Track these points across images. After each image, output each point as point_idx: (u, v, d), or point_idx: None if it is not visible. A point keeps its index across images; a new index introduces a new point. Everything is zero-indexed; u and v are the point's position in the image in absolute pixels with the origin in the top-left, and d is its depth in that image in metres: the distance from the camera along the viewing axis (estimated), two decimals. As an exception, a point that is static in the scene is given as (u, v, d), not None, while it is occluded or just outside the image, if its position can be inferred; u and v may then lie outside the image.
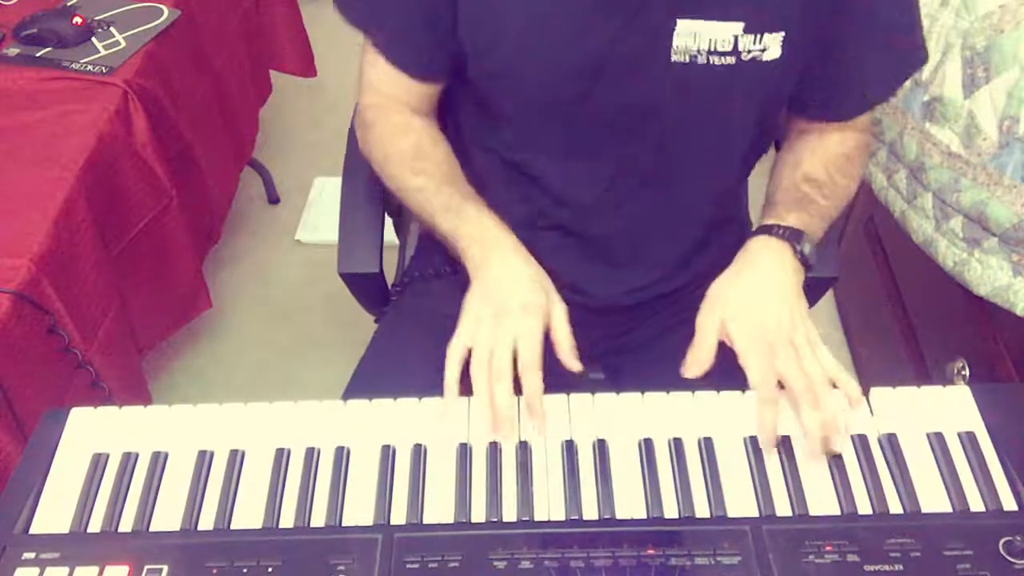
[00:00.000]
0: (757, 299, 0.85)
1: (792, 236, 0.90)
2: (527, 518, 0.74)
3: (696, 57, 0.84)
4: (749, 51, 0.85)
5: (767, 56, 0.85)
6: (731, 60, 0.85)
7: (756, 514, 0.74)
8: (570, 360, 0.84)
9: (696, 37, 0.83)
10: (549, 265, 0.99)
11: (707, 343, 0.83)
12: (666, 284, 1.05)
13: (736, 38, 0.84)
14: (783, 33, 0.85)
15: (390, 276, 1.16)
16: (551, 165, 0.95)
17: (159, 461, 0.79)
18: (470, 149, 1.03)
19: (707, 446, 0.79)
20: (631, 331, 1.08)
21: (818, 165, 0.97)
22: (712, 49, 0.84)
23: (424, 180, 0.95)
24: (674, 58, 0.85)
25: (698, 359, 0.82)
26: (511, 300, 0.84)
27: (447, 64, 0.95)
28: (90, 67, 1.46)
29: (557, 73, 0.87)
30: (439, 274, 1.08)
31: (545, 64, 0.87)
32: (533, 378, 0.80)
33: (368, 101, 1.00)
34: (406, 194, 0.97)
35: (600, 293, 1.03)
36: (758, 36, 0.84)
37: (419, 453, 0.79)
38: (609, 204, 0.97)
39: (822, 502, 0.75)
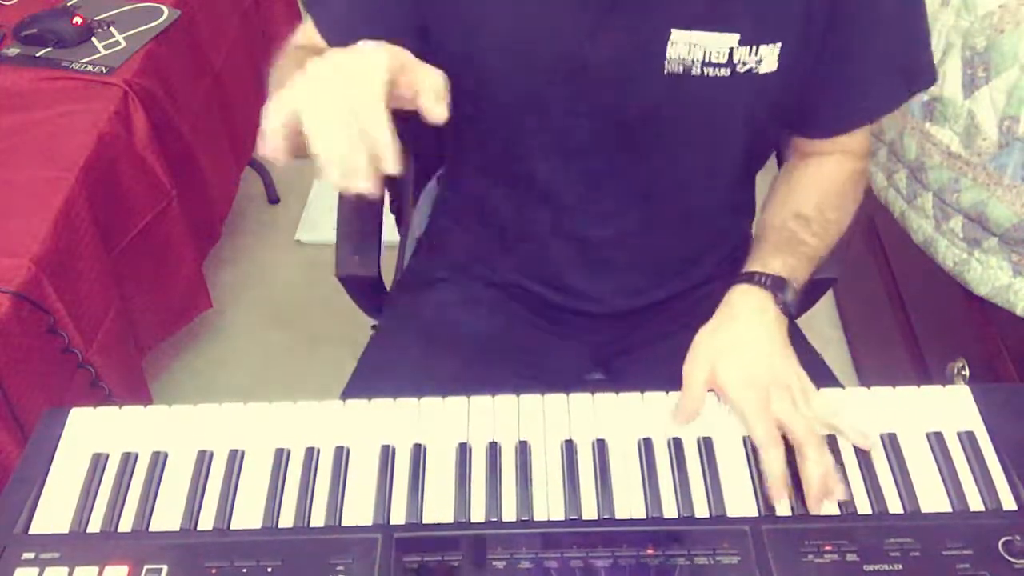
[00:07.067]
0: (744, 348, 0.83)
1: (775, 285, 0.87)
2: (527, 518, 0.74)
3: (691, 68, 0.83)
4: (744, 63, 0.83)
5: (763, 68, 0.84)
6: (726, 72, 0.83)
7: (755, 514, 0.74)
8: None
9: (691, 48, 0.82)
10: (549, 271, 0.98)
11: (695, 395, 0.81)
12: (663, 290, 1.04)
13: (731, 50, 0.82)
14: (780, 44, 0.83)
15: (388, 276, 1.16)
16: (544, 166, 0.94)
17: (159, 461, 0.79)
18: (464, 173, 1.02)
19: (706, 446, 0.78)
20: (631, 333, 1.08)
21: (809, 202, 0.95)
22: (707, 60, 0.83)
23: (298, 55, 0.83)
24: (667, 68, 0.83)
25: (686, 409, 0.81)
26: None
27: None
28: (90, 67, 1.46)
29: (537, 71, 0.86)
30: (433, 283, 1.08)
31: (524, 61, 0.85)
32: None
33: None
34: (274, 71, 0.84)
35: (599, 299, 1.03)
36: (754, 48, 0.82)
37: (419, 453, 0.79)
38: (602, 210, 0.96)
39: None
